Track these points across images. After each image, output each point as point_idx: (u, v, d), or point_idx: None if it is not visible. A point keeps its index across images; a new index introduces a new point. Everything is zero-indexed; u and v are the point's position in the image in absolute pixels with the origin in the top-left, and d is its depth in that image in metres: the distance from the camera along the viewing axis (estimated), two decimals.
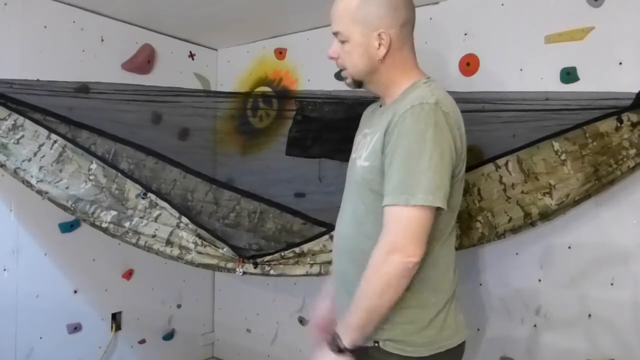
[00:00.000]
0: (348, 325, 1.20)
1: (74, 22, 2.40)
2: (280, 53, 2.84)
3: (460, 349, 1.28)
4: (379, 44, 1.25)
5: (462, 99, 1.33)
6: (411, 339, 1.21)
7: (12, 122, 1.92)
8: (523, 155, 1.74)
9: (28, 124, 1.94)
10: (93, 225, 1.99)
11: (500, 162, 1.77)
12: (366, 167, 1.25)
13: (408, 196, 1.12)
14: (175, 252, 2.02)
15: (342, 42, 1.28)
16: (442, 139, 1.15)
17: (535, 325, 2.02)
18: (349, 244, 1.31)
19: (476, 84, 2.11)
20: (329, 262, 1.93)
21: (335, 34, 1.29)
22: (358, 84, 1.33)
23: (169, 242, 2.02)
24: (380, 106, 1.38)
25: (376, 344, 1.23)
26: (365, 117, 1.50)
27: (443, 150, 1.15)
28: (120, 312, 2.63)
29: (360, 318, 1.18)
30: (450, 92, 1.28)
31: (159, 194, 2.06)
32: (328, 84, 2.41)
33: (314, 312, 1.55)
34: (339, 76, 2.55)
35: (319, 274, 1.98)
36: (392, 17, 1.25)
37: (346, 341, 1.19)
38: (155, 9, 2.46)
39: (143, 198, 2.04)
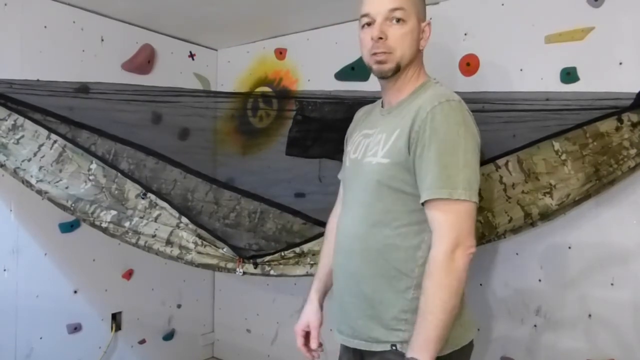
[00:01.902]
0: (427, 342, 1.12)
1: (74, 22, 2.40)
2: (280, 53, 2.84)
3: (471, 345, 1.28)
4: (425, 34, 1.30)
5: (462, 99, 1.33)
6: None
7: (12, 122, 1.92)
8: (523, 155, 1.74)
9: (28, 124, 1.94)
10: (93, 225, 1.99)
11: (501, 162, 1.77)
12: (386, 164, 1.22)
13: (451, 190, 1.12)
14: (175, 252, 2.02)
15: (399, 20, 1.23)
16: (471, 135, 1.18)
17: (535, 325, 2.02)
18: (362, 245, 1.26)
19: (476, 84, 2.11)
20: None
21: (393, 10, 1.23)
22: (396, 70, 1.26)
23: (169, 242, 2.02)
24: (383, 106, 1.37)
25: (394, 347, 1.20)
26: (359, 118, 1.47)
27: (473, 146, 1.17)
28: (120, 312, 2.63)
29: (440, 327, 1.12)
30: None
31: (159, 194, 2.06)
32: (328, 84, 2.42)
33: (301, 318, 1.47)
34: (339, 76, 2.56)
35: None
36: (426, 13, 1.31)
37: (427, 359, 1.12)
38: (155, 9, 2.46)
39: (143, 198, 2.04)
